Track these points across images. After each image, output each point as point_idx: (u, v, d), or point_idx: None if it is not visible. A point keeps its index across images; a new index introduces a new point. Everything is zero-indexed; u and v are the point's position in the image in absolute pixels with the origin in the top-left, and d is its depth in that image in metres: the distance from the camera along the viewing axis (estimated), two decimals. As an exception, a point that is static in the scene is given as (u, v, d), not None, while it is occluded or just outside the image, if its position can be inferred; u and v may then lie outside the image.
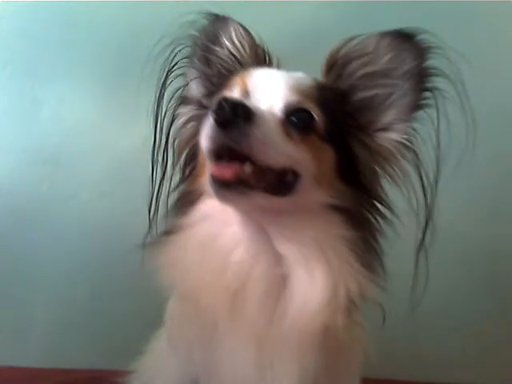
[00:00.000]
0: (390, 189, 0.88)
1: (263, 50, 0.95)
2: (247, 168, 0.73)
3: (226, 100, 0.71)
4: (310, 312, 0.79)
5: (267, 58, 0.95)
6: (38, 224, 1.61)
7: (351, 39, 0.88)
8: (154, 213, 0.93)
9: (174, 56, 0.94)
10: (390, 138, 0.87)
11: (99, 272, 1.58)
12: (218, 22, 0.96)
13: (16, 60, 1.63)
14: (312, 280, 0.80)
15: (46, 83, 1.61)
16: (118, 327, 1.56)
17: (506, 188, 1.54)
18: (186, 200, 0.90)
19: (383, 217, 0.87)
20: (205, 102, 0.95)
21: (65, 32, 1.61)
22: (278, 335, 0.80)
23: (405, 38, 0.85)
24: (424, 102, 0.86)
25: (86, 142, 1.61)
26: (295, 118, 0.81)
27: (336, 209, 0.83)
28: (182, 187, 0.93)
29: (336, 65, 0.89)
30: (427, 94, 0.85)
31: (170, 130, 0.95)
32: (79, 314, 1.61)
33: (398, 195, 0.86)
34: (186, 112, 0.97)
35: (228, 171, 0.73)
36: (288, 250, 0.82)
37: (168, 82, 0.95)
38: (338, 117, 0.86)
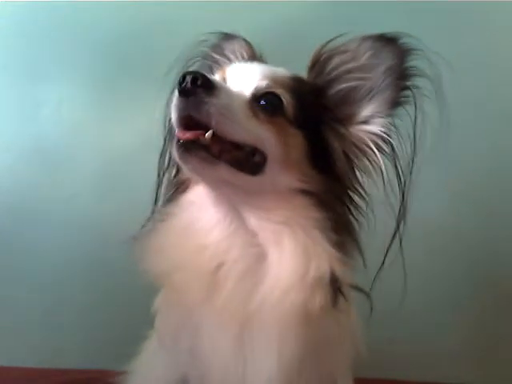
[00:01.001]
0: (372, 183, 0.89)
1: (260, 57, 1.01)
2: (208, 134, 0.76)
3: (189, 72, 0.77)
4: (282, 288, 0.80)
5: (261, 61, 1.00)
6: (38, 223, 1.61)
7: (335, 39, 0.91)
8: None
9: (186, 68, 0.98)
10: (366, 129, 0.89)
11: (99, 271, 1.58)
12: (226, 38, 1.04)
13: (16, 60, 1.63)
14: (283, 258, 0.82)
15: (45, 83, 1.61)
16: (117, 327, 1.56)
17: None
18: (177, 190, 0.93)
19: (357, 207, 0.89)
20: None
21: (65, 32, 1.62)
22: (255, 314, 0.81)
23: (387, 41, 0.88)
24: (403, 99, 0.87)
25: (86, 142, 1.61)
26: (263, 101, 0.84)
27: (306, 192, 0.85)
28: (174, 179, 0.97)
29: (318, 62, 0.92)
30: (407, 91, 0.87)
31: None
32: (79, 314, 1.61)
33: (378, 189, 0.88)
34: None
35: (189, 133, 0.76)
36: (261, 228, 0.84)
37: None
38: (313, 108, 0.89)
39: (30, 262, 1.62)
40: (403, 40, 0.86)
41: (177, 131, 0.79)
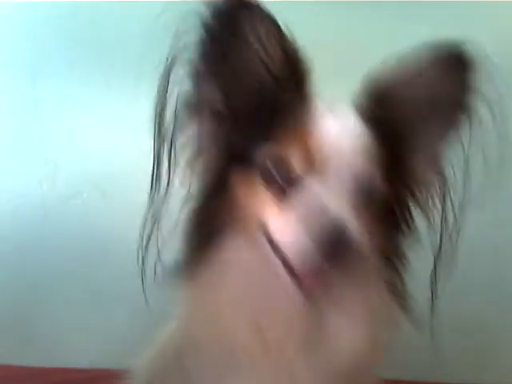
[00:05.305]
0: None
1: (298, 59, 0.75)
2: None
3: (328, 228, 0.64)
4: (347, 357, 0.76)
5: (305, 74, 0.76)
6: (38, 224, 1.61)
7: (392, 62, 0.78)
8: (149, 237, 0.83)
9: (177, 50, 0.77)
10: (428, 160, 0.80)
11: (99, 272, 1.58)
12: (238, 7, 0.72)
13: (17, 60, 1.63)
14: (352, 327, 0.77)
15: (47, 83, 1.61)
16: (118, 327, 1.56)
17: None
18: (207, 229, 0.77)
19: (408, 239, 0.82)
20: (222, 109, 0.78)
21: (66, 32, 1.62)
22: (311, 376, 0.76)
23: (455, 62, 0.76)
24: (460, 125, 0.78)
25: (87, 142, 1.61)
26: (363, 194, 0.71)
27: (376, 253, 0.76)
28: (199, 213, 0.80)
29: (378, 95, 0.77)
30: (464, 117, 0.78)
31: (172, 143, 0.80)
32: (79, 313, 1.61)
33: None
34: (196, 123, 0.80)
35: (318, 284, 0.69)
36: (330, 296, 0.75)
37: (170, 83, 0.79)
38: (392, 166, 0.75)
39: (30, 263, 1.62)
40: (467, 53, 0.74)
41: (298, 274, 0.69)
